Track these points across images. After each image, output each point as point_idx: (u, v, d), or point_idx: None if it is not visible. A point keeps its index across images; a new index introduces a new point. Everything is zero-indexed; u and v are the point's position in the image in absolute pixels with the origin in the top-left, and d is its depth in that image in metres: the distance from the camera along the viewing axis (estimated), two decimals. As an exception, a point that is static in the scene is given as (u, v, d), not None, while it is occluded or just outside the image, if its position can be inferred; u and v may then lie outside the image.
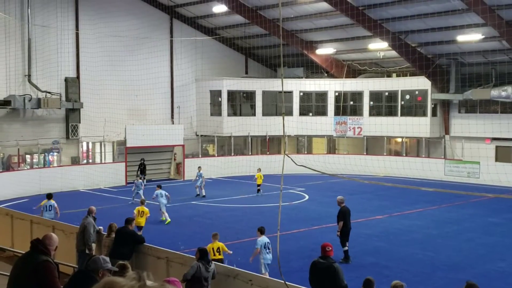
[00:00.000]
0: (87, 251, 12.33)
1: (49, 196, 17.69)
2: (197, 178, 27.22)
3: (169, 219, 20.73)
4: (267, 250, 12.93)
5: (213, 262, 9.91)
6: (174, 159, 34.57)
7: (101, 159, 33.01)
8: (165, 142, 32.77)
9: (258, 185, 27.37)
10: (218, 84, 36.50)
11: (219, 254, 12.23)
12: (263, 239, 13.04)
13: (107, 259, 6.00)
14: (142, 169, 30.52)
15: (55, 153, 31.14)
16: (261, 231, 13.20)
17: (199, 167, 27.92)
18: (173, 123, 35.83)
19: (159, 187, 21.73)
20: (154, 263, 11.55)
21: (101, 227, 12.75)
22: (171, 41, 36.47)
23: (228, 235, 18.24)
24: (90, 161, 33.29)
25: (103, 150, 32.91)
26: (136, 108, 34.21)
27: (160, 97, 35.51)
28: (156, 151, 33.29)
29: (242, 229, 19.43)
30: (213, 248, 12.14)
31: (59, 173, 29.21)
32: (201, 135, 36.25)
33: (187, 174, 33.43)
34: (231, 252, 12.79)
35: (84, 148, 33.24)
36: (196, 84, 37.24)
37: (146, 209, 18.05)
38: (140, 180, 25.96)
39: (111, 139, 32.39)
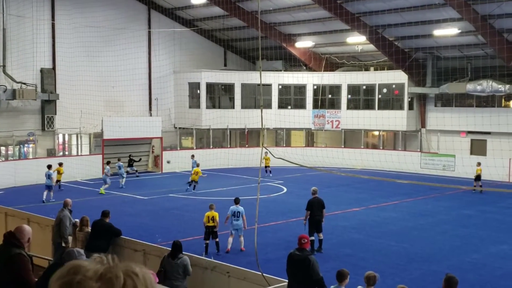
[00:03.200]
0: (63, 244, 12.21)
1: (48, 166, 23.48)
2: (193, 166, 27.24)
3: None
4: (235, 218, 15.27)
5: (185, 257, 9.83)
6: (152, 152, 34.37)
7: (77, 151, 32.67)
8: (142, 135, 32.54)
9: (267, 167, 29.26)
10: (196, 76, 36.34)
11: (213, 222, 14.86)
12: (234, 208, 15.42)
13: (82, 251, 5.95)
14: (131, 164, 30.86)
15: (31, 145, 30.70)
16: (235, 201, 15.70)
17: (192, 155, 28.27)
18: (151, 115, 35.59)
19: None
20: (131, 256, 11.49)
21: (77, 220, 12.63)
22: (149, 32, 36.16)
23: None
24: (67, 153, 32.91)
25: (79, 142, 32.58)
26: (113, 100, 33.88)
27: (138, 89, 35.23)
28: (133, 144, 33.03)
29: (220, 222, 19.39)
30: (208, 216, 14.94)
31: (34, 165, 28.83)
32: (180, 128, 36.08)
33: (165, 167, 33.29)
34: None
35: (60, 140, 32.84)
36: (174, 76, 37.03)
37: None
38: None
39: (88, 131, 32.06)
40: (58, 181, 25.79)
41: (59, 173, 25.91)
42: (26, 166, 28.47)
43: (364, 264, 13.90)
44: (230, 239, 15.36)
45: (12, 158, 29.52)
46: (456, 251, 15.91)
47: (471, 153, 32.75)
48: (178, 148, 35.22)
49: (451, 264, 14.25)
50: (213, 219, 14.89)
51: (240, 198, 16.27)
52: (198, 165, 26.72)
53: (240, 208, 15.65)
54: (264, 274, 9.04)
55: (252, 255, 13.05)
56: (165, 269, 9.62)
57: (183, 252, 10.01)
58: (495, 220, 20.35)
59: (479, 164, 27.07)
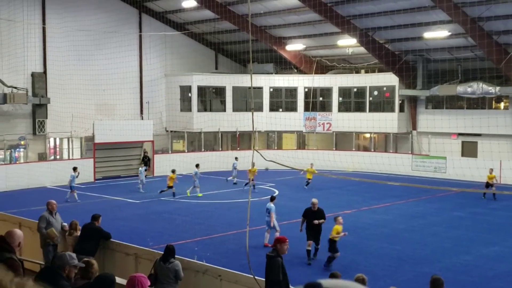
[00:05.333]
0: (51, 243, 12.05)
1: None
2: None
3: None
4: (267, 214, 16.32)
5: (177, 261, 9.82)
6: (145, 152, 34.28)
7: (68, 155, 32.53)
8: (134, 138, 32.46)
9: (309, 179, 27.99)
10: (188, 79, 36.32)
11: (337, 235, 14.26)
12: (267, 205, 16.50)
13: (74, 255, 5.93)
14: (146, 161, 31.50)
15: (22, 149, 30.53)
16: (270, 199, 16.82)
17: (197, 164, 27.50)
18: (142, 119, 35.52)
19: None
20: (122, 260, 11.45)
21: (65, 224, 12.50)
22: (140, 36, 36.10)
23: (198, 231, 18.25)
24: (58, 157, 32.76)
25: (70, 146, 32.43)
26: (105, 103, 33.77)
27: (129, 92, 35.15)
28: (125, 147, 32.94)
29: (212, 225, 19.42)
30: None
31: (25, 170, 28.67)
32: (171, 131, 36.03)
33: (156, 170, 33.22)
34: None
35: (52, 144, 32.68)
36: (165, 79, 36.99)
37: None
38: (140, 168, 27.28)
39: (79, 135, 31.93)
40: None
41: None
42: (17, 171, 28.32)
43: (356, 266, 13.93)
44: (266, 234, 16.48)
45: (3, 163, 29.32)
46: (448, 253, 15.98)
47: (462, 155, 32.94)
48: (170, 152, 35.15)
49: (443, 266, 14.31)
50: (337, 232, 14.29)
51: (274, 196, 17.49)
52: (173, 171, 26.44)
53: (270, 205, 16.61)
54: (256, 277, 9.04)
55: (244, 258, 13.06)
56: (157, 272, 9.60)
57: (176, 256, 9.99)
58: (486, 221, 20.47)
59: (491, 170, 26.26)
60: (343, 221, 14.54)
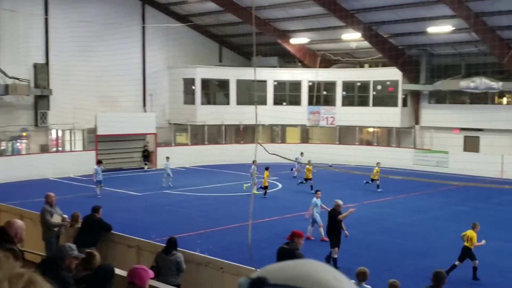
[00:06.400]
0: (55, 229, 12.09)
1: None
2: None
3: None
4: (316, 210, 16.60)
5: (179, 253, 9.83)
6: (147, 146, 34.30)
7: (70, 147, 32.53)
8: (137, 130, 32.46)
9: (373, 180, 25.78)
10: (191, 72, 36.24)
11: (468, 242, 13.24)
12: (314, 200, 16.81)
13: (74, 246, 5.93)
14: (145, 155, 31.55)
15: (24, 141, 30.56)
16: (315, 192, 17.41)
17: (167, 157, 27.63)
18: (145, 111, 35.49)
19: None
20: (124, 252, 11.47)
21: (65, 216, 12.49)
22: (143, 28, 36.00)
23: (201, 224, 18.27)
24: (60, 149, 32.78)
25: (73, 138, 32.43)
26: (107, 96, 33.72)
27: (132, 85, 35.11)
28: (127, 140, 32.94)
29: (215, 218, 19.45)
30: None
31: (27, 161, 28.70)
32: (174, 124, 36.00)
33: (159, 163, 33.23)
34: None
35: (54, 135, 32.69)
36: (169, 71, 36.92)
37: None
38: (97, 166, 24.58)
39: (81, 127, 31.92)
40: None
41: None
42: (19, 162, 28.37)
43: (358, 260, 13.91)
44: (309, 228, 16.77)
45: (5, 154, 29.36)
46: (449, 247, 15.94)
47: (464, 150, 32.88)
48: (173, 144, 35.15)
49: (444, 260, 14.29)
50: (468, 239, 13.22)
51: (318, 190, 17.76)
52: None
53: (313, 200, 17.02)
54: (258, 270, 9.04)
55: (247, 251, 13.06)
56: (159, 264, 9.62)
57: (178, 249, 10.00)
58: (488, 216, 20.43)
59: None
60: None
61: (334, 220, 14.12)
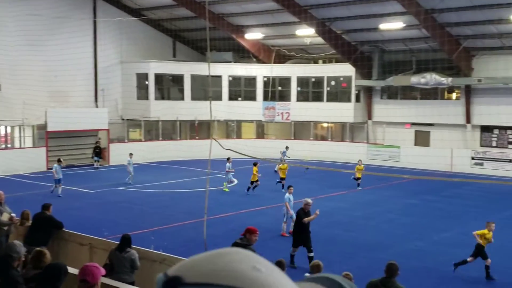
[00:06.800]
0: (3, 234, 11.67)
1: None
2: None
3: None
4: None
5: (133, 251, 9.70)
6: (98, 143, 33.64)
7: (20, 144, 31.55)
8: (88, 126, 31.76)
9: (357, 179, 25.42)
10: (144, 66, 35.75)
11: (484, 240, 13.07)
12: (287, 196, 16.66)
13: (21, 244, 5.74)
14: (97, 152, 30.76)
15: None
16: (288, 188, 17.28)
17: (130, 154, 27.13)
18: (97, 107, 34.79)
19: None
20: (76, 250, 11.22)
21: (13, 215, 12.10)
22: (95, 22, 35.23)
23: (156, 221, 18.07)
24: (9, 146, 31.75)
25: (22, 135, 31.45)
26: (58, 91, 32.87)
27: (83, 79, 34.35)
28: (79, 136, 32.20)
29: (170, 214, 19.28)
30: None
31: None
32: (127, 119, 35.43)
33: (112, 159, 32.67)
34: None
35: (2, 132, 31.63)
36: (121, 66, 36.29)
37: None
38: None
39: (31, 122, 30.99)
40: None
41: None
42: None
43: (313, 253, 14.06)
44: (283, 225, 16.65)
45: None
46: (401, 239, 16.37)
47: (415, 144, 33.74)
48: (126, 140, 34.61)
49: (396, 251, 14.64)
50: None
51: (290, 186, 17.62)
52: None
53: (286, 195, 16.96)
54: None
55: (202, 247, 13.00)
56: (113, 262, 9.46)
57: (132, 246, 9.86)
58: (438, 208, 21.05)
59: None
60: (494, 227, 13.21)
61: (301, 220, 13.57)
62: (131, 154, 26.60)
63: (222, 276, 0.75)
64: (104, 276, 6.17)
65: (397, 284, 8.09)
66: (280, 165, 25.02)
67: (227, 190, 24.08)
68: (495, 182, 23.60)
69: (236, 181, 24.84)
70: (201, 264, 0.79)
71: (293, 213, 15.76)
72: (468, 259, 12.99)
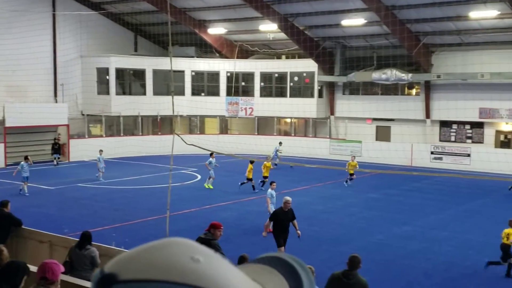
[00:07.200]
0: None
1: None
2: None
3: None
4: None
5: (93, 248, 9.56)
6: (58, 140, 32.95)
7: (-24, 140, 30.61)
8: (48, 122, 31.06)
9: (351, 175, 24.76)
10: (105, 61, 35.15)
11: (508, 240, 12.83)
12: (270, 191, 16.55)
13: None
14: (56, 148, 30.04)
15: None
16: (270, 183, 17.06)
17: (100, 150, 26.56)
18: (56, 102, 34.05)
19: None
20: (36, 247, 10.98)
21: None
22: (54, 15, 34.42)
23: (117, 217, 17.85)
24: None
25: (-22, 130, 30.52)
26: (16, 85, 32.01)
27: (42, 74, 33.53)
28: (38, 131, 31.46)
29: (132, 211, 19.05)
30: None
31: None
32: (88, 115, 34.78)
33: (72, 155, 32.06)
34: None
35: (-43, 128, 30.62)
36: (81, 60, 35.59)
37: None
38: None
39: (-13, 118, 30.12)
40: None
41: None
42: None
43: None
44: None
45: None
46: (363, 233, 16.61)
47: (377, 139, 34.28)
48: (86, 136, 34.00)
49: (358, 245, 14.85)
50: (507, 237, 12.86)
51: (273, 181, 17.31)
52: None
53: (268, 191, 16.87)
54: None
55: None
56: (72, 259, 9.30)
57: (93, 243, 9.71)
58: (399, 202, 21.45)
59: None
60: None
61: (280, 220, 13.27)
62: (101, 151, 26.10)
63: (159, 270, 0.71)
64: (64, 273, 6.06)
65: (359, 277, 8.19)
66: (265, 162, 24.43)
67: (211, 187, 23.43)
68: (454, 175, 24.22)
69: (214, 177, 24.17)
70: (137, 259, 0.74)
71: (271, 209, 15.78)
72: (504, 263, 12.80)
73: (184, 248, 0.75)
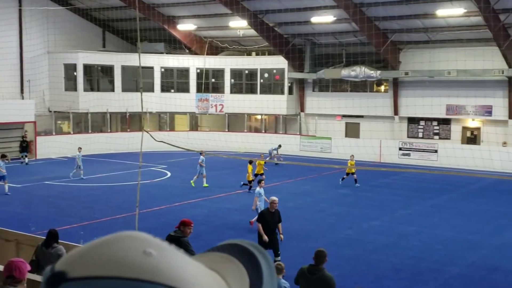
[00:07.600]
0: None
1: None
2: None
3: None
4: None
5: (60, 246, 9.41)
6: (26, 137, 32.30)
7: None
8: (14, 119, 30.38)
9: (351, 174, 24.08)
10: (72, 57, 34.60)
11: None
12: (258, 190, 16.46)
13: None
14: (24, 146, 29.55)
15: None
16: (258, 182, 16.99)
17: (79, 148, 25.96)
18: (23, 98, 33.36)
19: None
20: (2, 246, 10.78)
21: None
22: (20, 10, 33.69)
23: (85, 215, 17.61)
24: None
25: None
26: (-20, 82, 31.27)
27: (8, 70, 32.80)
28: (4, 129, 30.78)
29: (101, 209, 18.83)
30: None
31: None
32: (55, 111, 34.20)
33: (39, 153, 31.49)
34: None
35: None
36: (48, 56, 34.95)
37: None
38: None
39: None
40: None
41: None
42: None
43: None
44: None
45: None
46: (332, 228, 16.77)
47: (346, 136, 34.61)
48: (54, 133, 33.43)
49: (327, 240, 14.99)
50: None
51: (261, 179, 17.21)
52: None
53: (256, 189, 16.91)
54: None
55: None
56: (39, 258, 9.14)
57: (60, 241, 9.56)
58: (367, 198, 21.70)
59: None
60: None
61: (266, 221, 12.91)
62: (80, 148, 25.57)
63: (110, 266, 0.68)
64: (31, 272, 5.95)
65: (324, 271, 8.18)
66: (258, 160, 24.14)
67: (206, 185, 23.08)
68: (421, 171, 24.61)
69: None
70: (87, 255, 0.70)
71: (258, 207, 15.79)
72: None
73: (136, 242, 0.72)
